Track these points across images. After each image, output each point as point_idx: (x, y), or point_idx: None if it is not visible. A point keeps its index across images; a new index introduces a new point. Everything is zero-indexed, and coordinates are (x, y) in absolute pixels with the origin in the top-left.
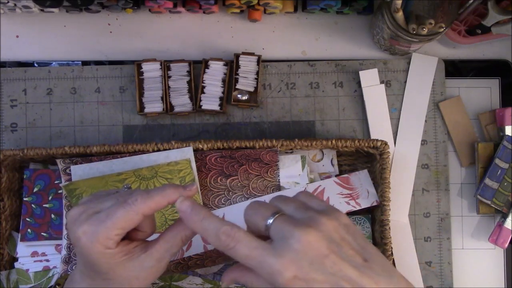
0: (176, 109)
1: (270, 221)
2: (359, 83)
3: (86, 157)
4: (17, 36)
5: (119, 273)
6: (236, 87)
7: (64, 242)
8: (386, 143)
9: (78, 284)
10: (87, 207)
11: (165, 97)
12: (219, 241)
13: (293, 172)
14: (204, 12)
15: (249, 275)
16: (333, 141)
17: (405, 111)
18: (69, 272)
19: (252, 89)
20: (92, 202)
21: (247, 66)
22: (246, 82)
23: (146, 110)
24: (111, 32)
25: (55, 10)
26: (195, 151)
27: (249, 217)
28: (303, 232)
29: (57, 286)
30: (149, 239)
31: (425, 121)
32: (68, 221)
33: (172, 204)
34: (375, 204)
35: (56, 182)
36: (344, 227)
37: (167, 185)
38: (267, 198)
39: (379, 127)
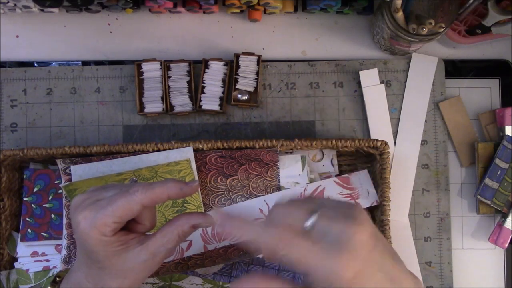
0: (176, 109)
1: (311, 220)
2: (359, 83)
3: (86, 157)
4: (17, 36)
5: (114, 263)
6: (236, 87)
7: (64, 242)
8: (386, 143)
9: (75, 271)
10: (92, 194)
11: (165, 97)
12: (267, 246)
13: (293, 172)
14: (204, 12)
15: (273, 283)
16: (333, 141)
17: (405, 111)
18: None
19: (252, 89)
20: (97, 190)
21: (247, 66)
22: (246, 82)
23: (146, 110)
24: (111, 32)
25: (55, 10)
26: (195, 151)
27: (281, 216)
28: (355, 229)
29: (57, 279)
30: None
31: (425, 121)
32: (72, 207)
33: (172, 198)
34: (375, 204)
35: (56, 182)
36: (370, 219)
37: (169, 179)
38: (267, 198)
39: (379, 127)
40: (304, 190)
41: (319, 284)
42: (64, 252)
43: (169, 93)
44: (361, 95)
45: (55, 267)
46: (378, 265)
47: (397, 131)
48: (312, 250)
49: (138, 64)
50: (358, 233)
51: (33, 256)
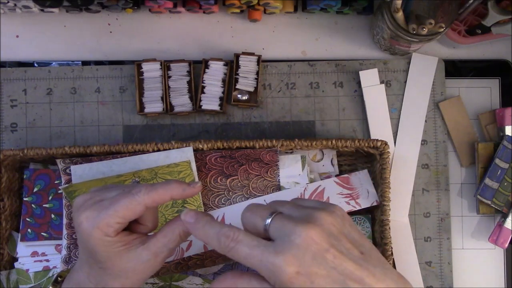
0: (176, 109)
1: (269, 220)
2: (359, 83)
3: (86, 157)
4: (17, 36)
5: (116, 263)
6: (236, 87)
7: (64, 242)
8: (386, 143)
9: (77, 271)
10: (94, 194)
11: (165, 97)
12: (220, 243)
13: (293, 172)
14: (204, 12)
15: (241, 281)
16: (333, 141)
17: (405, 111)
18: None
19: (252, 89)
20: (100, 191)
21: (247, 66)
22: (246, 82)
23: (146, 110)
24: (111, 32)
25: (55, 10)
26: (195, 151)
27: (247, 219)
28: (303, 228)
29: (59, 278)
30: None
31: (425, 121)
32: (74, 207)
33: (174, 199)
34: (375, 204)
35: (56, 182)
36: (341, 220)
37: (172, 180)
38: (267, 198)
39: (379, 127)
40: (304, 190)
41: (268, 279)
42: (64, 252)
43: (169, 93)
44: (361, 95)
45: (55, 267)
46: (332, 266)
47: (397, 131)
48: (257, 246)
49: (138, 64)
50: (307, 233)
51: (33, 256)
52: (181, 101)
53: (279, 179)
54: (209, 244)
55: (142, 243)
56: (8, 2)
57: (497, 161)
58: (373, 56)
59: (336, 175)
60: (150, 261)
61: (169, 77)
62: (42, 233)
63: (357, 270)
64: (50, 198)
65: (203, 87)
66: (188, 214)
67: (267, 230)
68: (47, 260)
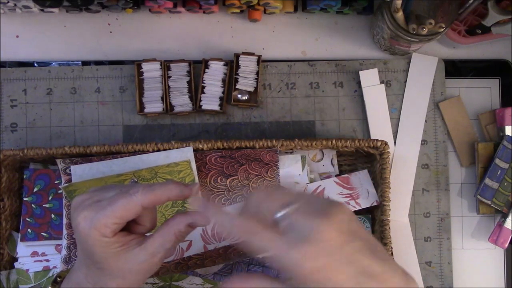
0: (176, 109)
1: (282, 213)
2: (359, 83)
3: (86, 157)
4: (17, 36)
5: (113, 264)
6: (236, 87)
7: (64, 242)
8: (386, 143)
9: (75, 271)
10: (92, 195)
11: (165, 97)
12: (233, 234)
13: (293, 172)
14: (204, 12)
15: (251, 282)
16: (333, 141)
17: (405, 111)
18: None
19: (252, 89)
20: (98, 191)
21: (247, 66)
22: (246, 82)
23: (146, 110)
24: (111, 32)
25: (55, 10)
26: (195, 151)
27: (255, 207)
28: (321, 223)
29: (58, 279)
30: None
31: (425, 121)
32: (72, 207)
33: (172, 200)
34: (375, 204)
35: (56, 182)
36: (351, 218)
37: (170, 181)
38: None
39: (379, 127)
40: (304, 190)
41: (285, 273)
42: (64, 252)
43: (169, 93)
44: (361, 95)
45: (55, 267)
46: (349, 261)
47: (397, 131)
48: (275, 240)
49: (138, 64)
50: (324, 227)
51: (33, 256)
52: (181, 101)
53: (279, 179)
54: (221, 232)
55: (139, 244)
56: (8, 2)
57: (497, 161)
58: (373, 56)
59: (336, 175)
60: (147, 262)
61: (169, 77)
62: (42, 233)
63: (371, 265)
64: (50, 198)
65: (203, 87)
66: (196, 200)
67: (277, 222)
68: (47, 260)
